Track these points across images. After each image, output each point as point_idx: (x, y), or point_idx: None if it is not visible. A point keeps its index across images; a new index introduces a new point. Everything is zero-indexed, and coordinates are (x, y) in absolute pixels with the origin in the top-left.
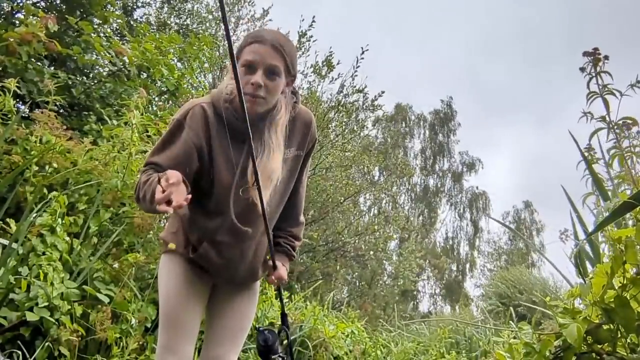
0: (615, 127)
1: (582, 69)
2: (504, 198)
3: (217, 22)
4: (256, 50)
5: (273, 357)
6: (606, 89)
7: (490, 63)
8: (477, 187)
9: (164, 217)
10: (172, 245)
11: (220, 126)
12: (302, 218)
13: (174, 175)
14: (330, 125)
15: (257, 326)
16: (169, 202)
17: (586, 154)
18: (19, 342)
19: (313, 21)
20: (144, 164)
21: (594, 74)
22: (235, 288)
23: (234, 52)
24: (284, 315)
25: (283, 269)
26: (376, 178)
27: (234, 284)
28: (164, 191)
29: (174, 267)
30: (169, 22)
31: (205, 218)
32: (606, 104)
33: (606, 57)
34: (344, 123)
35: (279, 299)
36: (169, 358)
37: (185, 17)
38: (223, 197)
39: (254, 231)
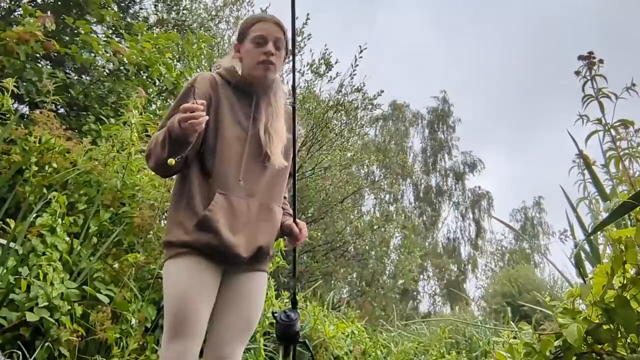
0: (612, 129)
1: (577, 73)
2: (504, 199)
3: (214, 21)
4: (263, 27)
5: (295, 332)
6: (601, 93)
7: (491, 63)
8: (479, 187)
9: (163, 217)
10: (171, 161)
11: (229, 91)
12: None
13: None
14: (329, 125)
15: (272, 311)
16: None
17: (577, 161)
18: (19, 342)
19: (307, 19)
20: (158, 127)
21: (589, 78)
22: (244, 277)
23: (240, 33)
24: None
25: (302, 222)
26: (376, 178)
27: (241, 261)
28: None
29: (183, 267)
30: (166, 17)
31: (211, 179)
32: (601, 106)
33: (601, 61)
34: (343, 122)
35: (291, 300)
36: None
37: (181, 14)
38: (230, 152)
39: (255, 189)
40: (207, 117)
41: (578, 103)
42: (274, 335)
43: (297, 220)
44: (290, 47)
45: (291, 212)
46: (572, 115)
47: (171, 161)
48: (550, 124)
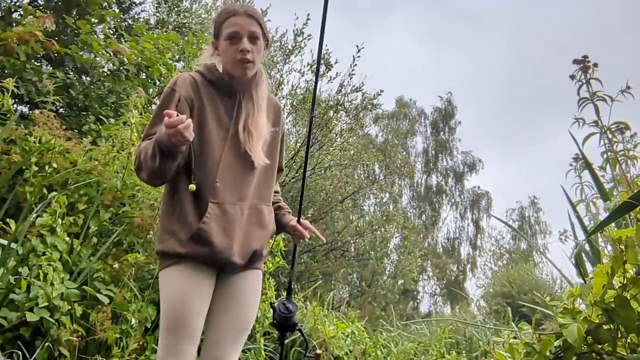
0: (608, 131)
1: (572, 77)
2: (501, 200)
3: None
4: (235, 22)
5: (294, 324)
6: (596, 96)
7: (492, 61)
8: (479, 187)
9: None
10: (192, 187)
11: (210, 89)
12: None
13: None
14: (329, 125)
15: (271, 301)
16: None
17: (574, 164)
18: (19, 342)
19: (308, 19)
20: (143, 136)
21: (584, 81)
22: (238, 278)
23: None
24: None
25: (306, 221)
26: (377, 177)
27: (236, 267)
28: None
29: (178, 274)
30: (167, 19)
31: (201, 184)
32: (597, 109)
33: (595, 65)
34: (343, 122)
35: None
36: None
37: (182, 15)
38: (216, 156)
39: (245, 192)
40: (191, 124)
41: (574, 106)
42: (273, 323)
43: (302, 220)
44: (268, 35)
45: (288, 207)
46: (568, 118)
47: (192, 187)
48: (547, 127)
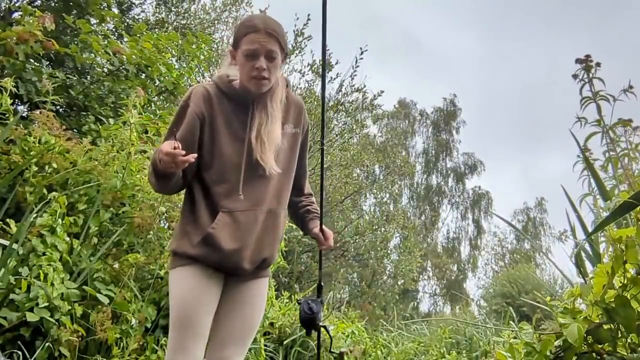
0: (610, 130)
1: (575, 76)
2: (505, 198)
3: (216, 22)
4: (255, 39)
5: (317, 323)
6: (599, 95)
7: (493, 63)
8: (479, 188)
9: (163, 217)
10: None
11: (224, 100)
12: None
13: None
14: (329, 125)
15: (298, 299)
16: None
17: (581, 156)
18: (19, 342)
19: (308, 19)
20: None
21: (586, 81)
22: (245, 285)
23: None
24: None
25: (329, 231)
26: (377, 178)
27: (244, 273)
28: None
29: (188, 275)
30: (167, 19)
31: (214, 192)
32: (599, 108)
33: (598, 64)
34: (343, 123)
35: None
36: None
37: (182, 17)
38: (227, 166)
39: (260, 197)
40: (189, 159)
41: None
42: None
43: (324, 228)
44: (287, 49)
45: (318, 212)
46: (573, 118)
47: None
48: (553, 127)
